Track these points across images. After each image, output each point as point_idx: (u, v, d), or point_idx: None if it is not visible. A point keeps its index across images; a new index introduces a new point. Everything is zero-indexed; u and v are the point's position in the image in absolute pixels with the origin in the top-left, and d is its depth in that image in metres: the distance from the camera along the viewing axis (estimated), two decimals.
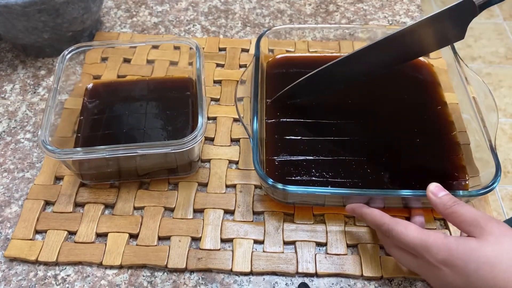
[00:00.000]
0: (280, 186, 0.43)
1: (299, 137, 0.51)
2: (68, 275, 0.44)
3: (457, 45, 0.53)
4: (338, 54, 0.61)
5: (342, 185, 0.47)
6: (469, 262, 0.34)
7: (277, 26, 0.61)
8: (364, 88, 0.57)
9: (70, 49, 0.52)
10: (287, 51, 0.61)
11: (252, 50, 0.63)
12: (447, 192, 0.40)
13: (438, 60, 0.60)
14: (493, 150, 0.45)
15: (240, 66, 0.62)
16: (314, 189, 0.44)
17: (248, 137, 0.47)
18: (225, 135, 0.54)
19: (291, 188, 0.43)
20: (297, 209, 0.48)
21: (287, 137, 0.51)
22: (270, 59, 0.59)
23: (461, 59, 0.54)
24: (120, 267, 0.45)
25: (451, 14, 0.42)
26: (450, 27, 0.43)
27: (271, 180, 0.43)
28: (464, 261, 0.34)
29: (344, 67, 0.49)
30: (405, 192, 0.43)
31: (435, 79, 0.57)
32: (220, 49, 0.65)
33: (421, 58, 0.60)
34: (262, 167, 0.46)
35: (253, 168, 0.45)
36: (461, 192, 0.42)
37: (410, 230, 0.38)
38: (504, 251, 0.34)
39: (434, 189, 0.40)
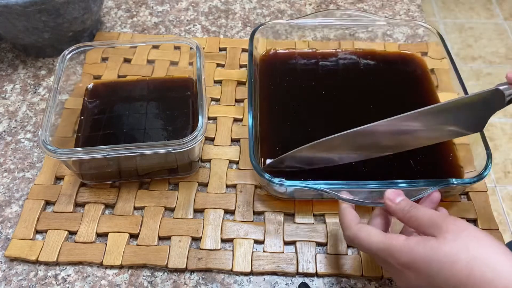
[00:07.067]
0: (276, 180, 0.43)
1: (297, 136, 0.51)
2: (68, 275, 0.44)
3: (457, 45, 0.53)
4: (325, 51, 0.61)
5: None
6: (431, 262, 0.33)
7: (268, 21, 0.59)
8: (362, 89, 0.57)
9: (70, 49, 0.52)
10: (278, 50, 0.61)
11: None
12: (404, 197, 0.38)
13: (439, 60, 0.60)
14: (484, 139, 0.46)
15: (241, 66, 0.62)
16: (310, 184, 0.44)
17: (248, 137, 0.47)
18: (226, 135, 0.54)
19: (288, 183, 0.43)
20: (297, 208, 0.48)
21: (286, 137, 0.51)
22: (262, 55, 0.59)
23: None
24: (121, 267, 0.45)
25: (477, 102, 0.40)
26: (469, 116, 0.41)
27: (268, 175, 0.43)
28: (426, 262, 0.33)
29: (347, 143, 0.45)
30: (402, 185, 0.43)
31: (433, 79, 0.57)
32: (221, 49, 0.65)
33: (422, 58, 0.60)
34: (259, 163, 0.46)
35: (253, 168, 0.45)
36: (454, 180, 0.42)
37: (373, 236, 0.37)
38: (463, 247, 0.33)
39: (391, 195, 0.38)
